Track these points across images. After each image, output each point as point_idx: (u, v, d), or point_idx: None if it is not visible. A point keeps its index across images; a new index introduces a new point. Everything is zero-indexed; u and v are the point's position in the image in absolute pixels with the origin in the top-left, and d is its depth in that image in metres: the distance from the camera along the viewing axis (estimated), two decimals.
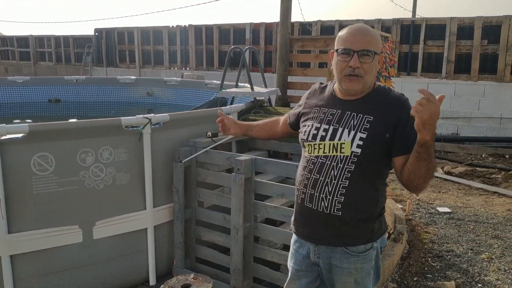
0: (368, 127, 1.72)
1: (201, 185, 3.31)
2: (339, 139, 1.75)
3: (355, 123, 1.74)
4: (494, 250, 4.05)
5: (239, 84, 5.14)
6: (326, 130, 1.79)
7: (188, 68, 13.67)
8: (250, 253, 3.03)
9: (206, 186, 3.31)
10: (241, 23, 12.50)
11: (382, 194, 1.85)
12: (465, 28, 9.36)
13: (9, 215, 2.75)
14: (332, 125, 1.79)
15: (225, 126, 2.38)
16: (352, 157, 1.72)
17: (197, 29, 13.38)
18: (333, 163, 1.75)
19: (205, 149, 3.17)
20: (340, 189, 1.74)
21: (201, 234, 3.33)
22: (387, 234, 1.95)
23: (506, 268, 3.69)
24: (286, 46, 5.38)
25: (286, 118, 2.20)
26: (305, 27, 11.34)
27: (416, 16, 16.02)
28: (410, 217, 4.84)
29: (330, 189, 1.75)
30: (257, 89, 4.59)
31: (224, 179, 3.11)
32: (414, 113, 1.54)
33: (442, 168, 7.06)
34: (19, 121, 6.47)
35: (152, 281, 3.34)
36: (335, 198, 1.75)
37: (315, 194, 1.78)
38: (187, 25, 13.59)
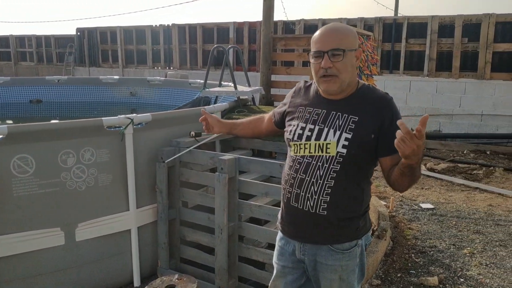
0: (353, 127, 1.73)
1: (185, 185, 3.29)
2: (325, 139, 1.75)
3: (340, 123, 1.75)
4: (476, 245, 4.11)
5: (222, 83, 5.13)
6: (311, 130, 1.80)
7: (171, 68, 13.60)
8: (235, 253, 3.03)
9: (190, 186, 3.29)
10: (225, 22, 12.48)
11: (367, 193, 1.86)
12: (446, 26, 9.49)
13: None
14: (318, 125, 1.79)
15: (209, 125, 2.36)
16: (337, 157, 1.73)
17: (181, 28, 13.31)
18: (318, 163, 1.76)
19: (188, 149, 3.15)
20: (326, 189, 1.75)
21: (185, 235, 3.32)
22: (371, 231, 1.97)
23: (488, 263, 3.76)
24: (269, 45, 5.38)
25: (271, 116, 2.19)
26: (288, 26, 11.37)
27: (398, 15, 16.20)
28: (394, 213, 4.89)
29: (315, 189, 1.76)
30: (240, 88, 4.59)
31: (208, 179, 3.10)
32: (397, 148, 1.51)
33: (425, 164, 7.14)
34: (11, 122, 6.36)
35: (137, 282, 3.31)
36: (320, 197, 1.75)
37: (301, 193, 1.79)
38: (170, 24, 13.51)
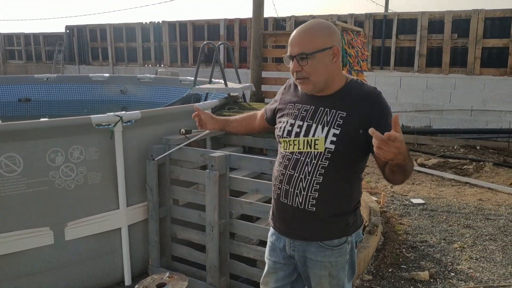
0: (341, 123, 1.72)
1: (175, 183, 3.27)
2: (313, 135, 1.75)
3: (328, 119, 1.74)
4: (466, 239, 4.14)
5: (213, 80, 5.11)
6: (300, 127, 1.79)
7: (162, 65, 13.51)
8: (226, 250, 3.02)
9: (181, 184, 3.28)
10: (215, 19, 12.43)
11: (357, 189, 1.86)
12: (436, 22, 9.54)
13: None
14: (306, 121, 1.79)
15: (202, 121, 2.29)
16: (326, 153, 1.72)
17: (171, 25, 13.23)
18: (307, 159, 1.75)
19: (178, 146, 3.13)
20: (314, 185, 1.74)
21: (176, 232, 3.30)
22: (362, 228, 1.96)
23: (478, 257, 3.79)
24: (260, 42, 5.37)
25: (263, 113, 2.19)
26: (279, 22, 11.35)
27: (389, 11, 16.24)
28: (385, 209, 4.91)
29: (304, 185, 1.75)
30: (230, 85, 4.57)
31: (199, 176, 3.09)
32: (378, 155, 1.50)
33: (416, 160, 7.18)
34: None
35: (128, 281, 3.29)
36: (309, 194, 1.75)
37: (290, 189, 1.79)
38: (160, 21, 13.43)
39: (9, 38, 17.31)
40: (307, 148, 1.76)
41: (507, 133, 8.35)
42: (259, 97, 5.37)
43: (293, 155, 1.79)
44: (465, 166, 6.82)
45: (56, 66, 15.45)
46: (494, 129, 8.74)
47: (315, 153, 1.74)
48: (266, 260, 2.01)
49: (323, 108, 1.77)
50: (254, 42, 5.39)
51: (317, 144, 1.73)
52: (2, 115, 6.86)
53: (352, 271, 1.88)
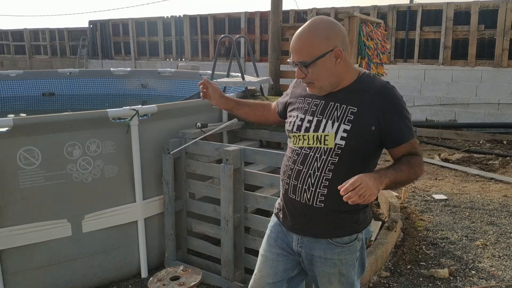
0: (352, 118, 1.67)
1: (191, 177, 3.28)
2: (323, 131, 1.70)
3: (338, 114, 1.70)
4: (489, 236, 4.03)
5: (231, 73, 5.08)
6: (310, 122, 1.75)
7: (183, 59, 13.58)
8: (241, 244, 3.01)
9: (197, 178, 3.28)
10: (236, 12, 12.39)
11: None
12: (461, 13, 9.27)
13: None
14: (316, 116, 1.74)
15: (207, 95, 2.18)
16: (336, 149, 1.68)
17: (192, 19, 13.26)
18: (316, 155, 1.71)
19: (194, 140, 3.13)
20: (323, 181, 1.70)
21: (192, 226, 3.31)
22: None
23: (501, 255, 3.68)
24: (278, 34, 5.30)
25: (275, 106, 2.15)
26: (300, 15, 11.23)
27: (413, 2, 15.88)
28: (406, 205, 4.81)
29: (312, 181, 1.71)
30: (248, 78, 4.54)
31: (214, 170, 3.08)
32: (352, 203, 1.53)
33: (439, 155, 7.03)
34: (13, 115, 6.42)
35: (144, 273, 3.32)
36: (317, 190, 1.71)
37: (298, 185, 1.75)
38: (181, 15, 13.47)
39: (35, 33, 17.66)
40: (316, 144, 1.72)
41: None
42: (277, 90, 5.31)
43: (302, 150, 1.75)
44: (490, 162, 6.63)
45: (80, 61, 15.70)
46: None
47: (325, 148, 1.70)
48: (262, 252, 1.94)
49: (333, 103, 1.72)
50: (272, 34, 5.33)
51: (327, 140, 1.69)
52: (26, 109, 7.01)
53: (362, 268, 1.84)
